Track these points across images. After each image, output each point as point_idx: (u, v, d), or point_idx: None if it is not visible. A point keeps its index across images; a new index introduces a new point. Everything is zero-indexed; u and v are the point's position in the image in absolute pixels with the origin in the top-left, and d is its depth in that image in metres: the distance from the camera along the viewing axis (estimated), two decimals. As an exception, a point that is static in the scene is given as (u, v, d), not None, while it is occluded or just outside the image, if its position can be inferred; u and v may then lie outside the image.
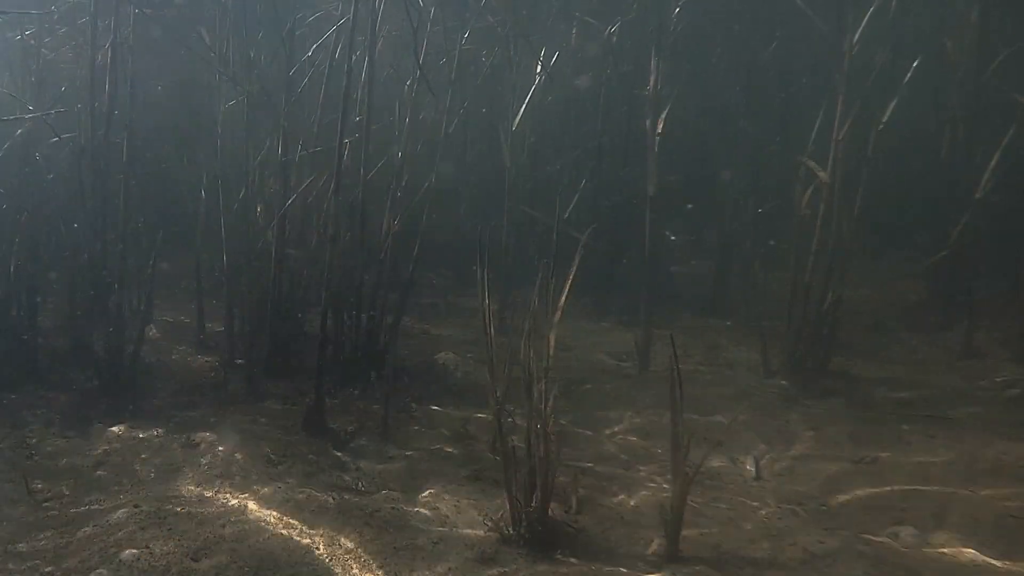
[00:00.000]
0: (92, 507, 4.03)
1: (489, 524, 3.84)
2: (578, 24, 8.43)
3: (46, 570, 3.47)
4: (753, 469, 4.53)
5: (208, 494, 4.16)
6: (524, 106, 7.15)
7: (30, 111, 5.80)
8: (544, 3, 8.48)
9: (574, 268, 3.88)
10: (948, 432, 4.88)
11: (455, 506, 4.09)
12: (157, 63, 7.97)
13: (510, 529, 3.73)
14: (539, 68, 7.25)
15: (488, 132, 8.58)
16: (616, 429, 5.21)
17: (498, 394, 3.88)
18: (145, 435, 4.93)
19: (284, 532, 3.77)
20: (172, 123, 8.60)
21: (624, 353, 6.67)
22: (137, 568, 3.46)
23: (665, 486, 4.22)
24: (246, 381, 5.71)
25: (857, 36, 5.58)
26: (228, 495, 4.14)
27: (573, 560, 3.60)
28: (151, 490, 4.20)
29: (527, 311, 3.80)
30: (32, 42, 6.11)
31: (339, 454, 4.75)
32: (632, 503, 4.17)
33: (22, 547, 3.65)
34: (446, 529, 3.86)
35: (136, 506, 4.00)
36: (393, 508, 4.05)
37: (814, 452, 4.74)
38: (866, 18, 5.56)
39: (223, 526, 3.81)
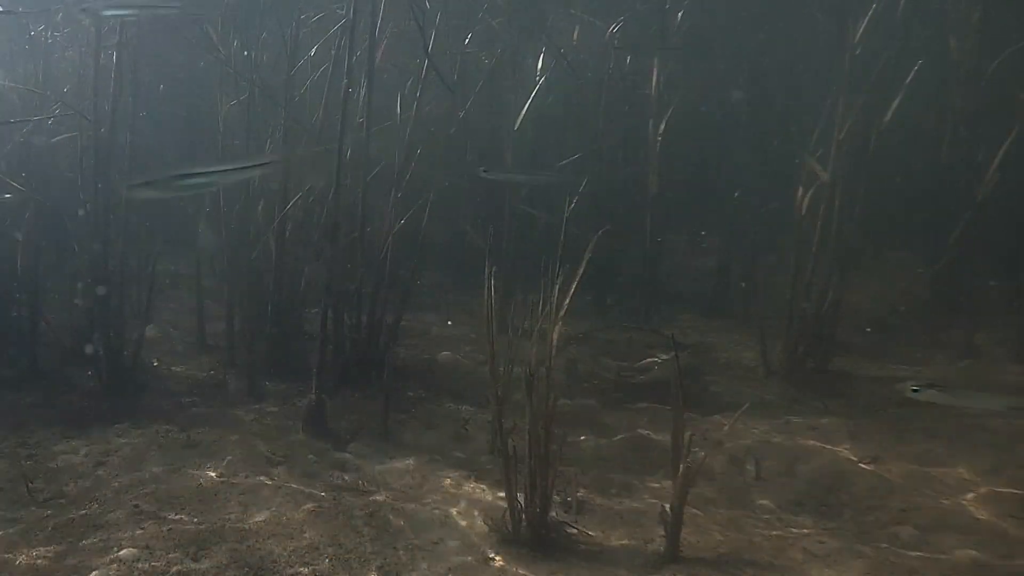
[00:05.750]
0: (92, 507, 4.03)
1: (489, 524, 3.85)
2: (580, 24, 8.43)
3: (47, 569, 3.47)
4: (753, 469, 4.53)
5: (208, 494, 4.16)
6: (526, 106, 7.15)
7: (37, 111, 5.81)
8: (546, 3, 8.47)
9: (580, 271, 3.87)
10: (948, 432, 4.88)
11: (455, 506, 4.09)
12: (160, 64, 7.98)
13: (510, 529, 3.73)
14: (540, 67, 7.25)
15: (490, 132, 8.57)
16: (615, 429, 5.21)
17: (498, 394, 3.88)
18: (145, 435, 4.94)
19: (284, 532, 3.77)
20: (174, 123, 8.61)
21: (624, 353, 6.66)
22: (137, 568, 3.46)
23: (665, 486, 4.22)
24: (246, 381, 5.71)
25: (859, 36, 5.58)
26: (228, 495, 4.14)
27: (573, 560, 3.60)
28: (151, 490, 4.20)
29: (528, 311, 3.80)
30: (36, 50, 6.11)
31: (339, 454, 4.75)
32: (632, 503, 4.17)
33: (23, 546, 3.65)
34: (446, 529, 3.86)
35: (136, 506, 4.00)
36: (393, 508, 4.06)
37: (814, 452, 4.74)
38: (867, 18, 5.56)
39: (223, 526, 3.81)
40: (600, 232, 4.32)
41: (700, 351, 6.43)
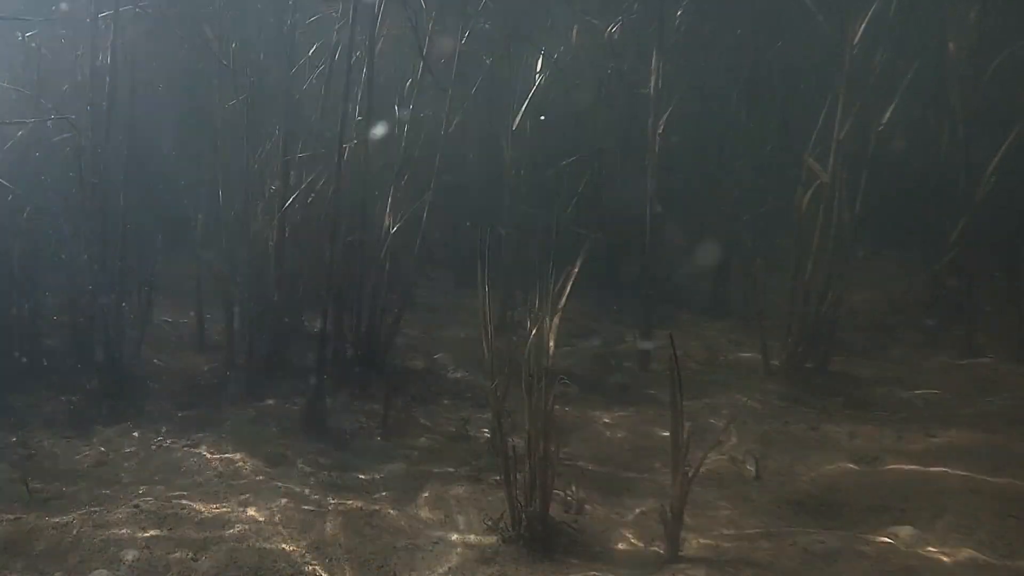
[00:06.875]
0: (92, 507, 4.03)
1: (489, 524, 3.85)
2: (579, 23, 8.43)
3: (47, 570, 3.47)
4: (753, 469, 4.53)
5: (208, 494, 4.16)
6: (524, 106, 7.15)
7: (33, 111, 5.81)
8: (544, 2, 8.48)
9: (576, 268, 3.87)
10: (948, 431, 4.88)
11: (455, 506, 4.09)
12: (157, 63, 7.97)
13: (510, 529, 3.73)
14: (539, 67, 7.25)
15: (489, 132, 8.57)
16: (616, 429, 5.21)
17: (498, 394, 3.88)
18: (145, 435, 4.94)
19: (284, 532, 3.77)
20: (173, 123, 8.60)
21: (624, 353, 6.67)
22: (137, 568, 3.46)
23: (665, 486, 4.22)
24: (246, 381, 5.71)
25: (858, 36, 5.58)
26: (228, 495, 4.14)
27: (573, 560, 3.60)
28: (151, 490, 4.20)
29: (527, 311, 3.80)
30: (33, 46, 6.11)
31: (339, 454, 4.75)
32: (632, 503, 4.17)
33: (23, 547, 3.65)
34: (446, 529, 3.86)
35: (136, 506, 4.00)
36: (393, 508, 4.06)
37: (814, 452, 4.74)
38: (867, 18, 5.56)
39: (223, 526, 3.81)
40: (598, 234, 4.34)
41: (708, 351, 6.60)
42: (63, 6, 5.53)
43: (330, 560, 3.55)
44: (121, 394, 5.48)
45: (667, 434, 3.71)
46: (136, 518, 3.87)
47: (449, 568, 3.51)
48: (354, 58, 5.16)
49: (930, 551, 3.62)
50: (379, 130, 5.95)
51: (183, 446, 4.77)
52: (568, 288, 3.83)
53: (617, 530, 3.88)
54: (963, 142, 7.05)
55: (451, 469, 4.55)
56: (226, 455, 4.63)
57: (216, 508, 4.00)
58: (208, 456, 4.63)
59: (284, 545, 3.66)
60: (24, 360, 5.89)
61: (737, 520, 3.97)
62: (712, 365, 6.42)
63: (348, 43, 5.08)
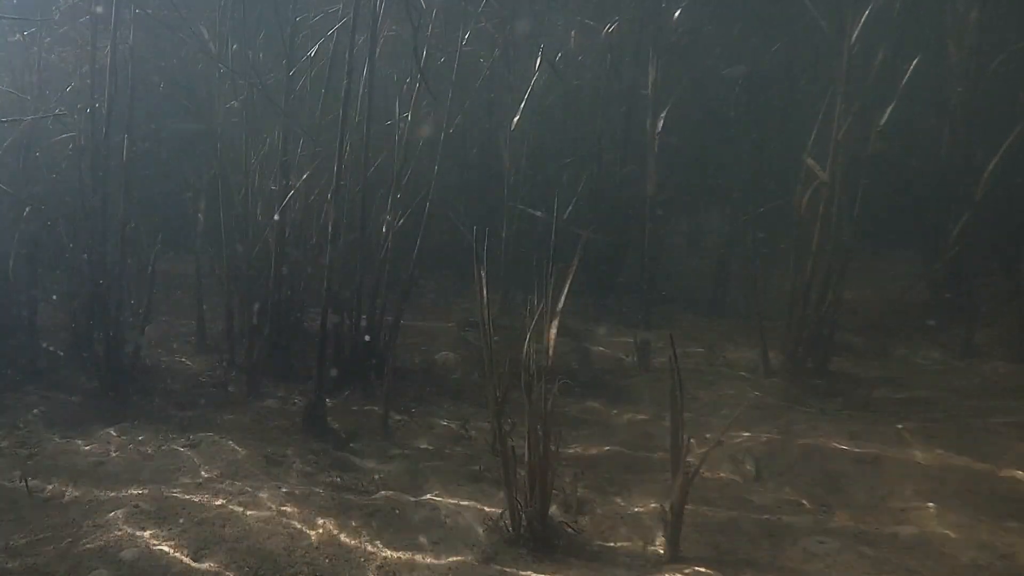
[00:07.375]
0: (92, 507, 4.03)
1: (489, 524, 3.85)
2: (577, 24, 8.44)
3: (46, 570, 3.47)
4: (753, 469, 4.53)
5: (208, 494, 4.16)
6: (522, 106, 7.15)
7: (33, 113, 5.81)
8: (543, 2, 8.48)
9: (574, 266, 3.87)
10: (948, 432, 4.88)
11: (455, 506, 4.09)
12: (157, 63, 7.99)
13: (510, 529, 3.73)
14: (537, 67, 7.25)
15: (488, 132, 8.57)
16: (616, 429, 5.21)
17: (497, 394, 3.87)
18: (145, 435, 4.94)
19: (284, 532, 3.77)
20: (172, 123, 8.61)
21: (624, 353, 6.67)
22: (137, 568, 3.46)
23: (665, 486, 4.22)
24: (246, 381, 5.71)
25: (855, 36, 5.58)
26: (228, 495, 4.14)
27: (573, 560, 3.60)
28: (151, 489, 4.20)
29: (526, 310, 3.81)
30: (34, 48, 6.11)
31: (339, 454, 4.75)
32: (632, 503, 4.17)
33: (22, 547, 3.65)
34: (446, 529, 3.86)
35: (136, 506, 4.00)
36: (393, 508, 4.06)
37: (814, 452, 4.74)
38: (863, 17, 5.56)
39: (223, 526, 3.81)
40: (592, 232, 4.34)
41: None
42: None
43: (330, 560, 3.55)
44: (121, 393, 5.48)
45: (667, 434, 3.71)
46: (136, 517, 3.88)
47: (449, 568, 3.51)
48: (355, 48, 5.15)
49: (930, 551, 3.62)
50: (379, 130, 5.95)
51: (183, 445, 4.77)
52: (567, 287, 3.84)
53: (617, 530, 3.88)
54: (963, 142, 7.05)
55: (451, 469, 4.55)
56: (226, 455, 4.63)
57: (216, 507, 4.00)
58: (208, 456, 4.63)
59: (284, 545, 3.66)
60: (24, 360, 5.89)
61: (737, 519, 3.97)
62: (712, 365, 6.43)
63: (349, 43, 5.07)
